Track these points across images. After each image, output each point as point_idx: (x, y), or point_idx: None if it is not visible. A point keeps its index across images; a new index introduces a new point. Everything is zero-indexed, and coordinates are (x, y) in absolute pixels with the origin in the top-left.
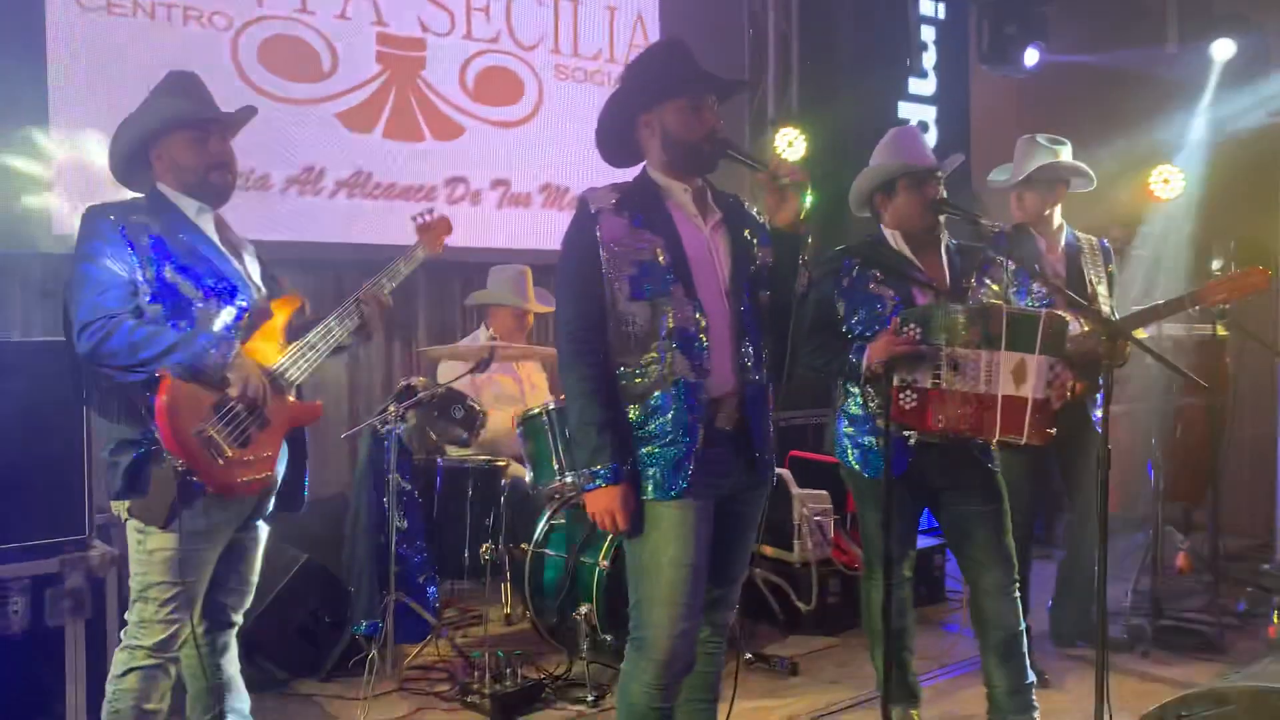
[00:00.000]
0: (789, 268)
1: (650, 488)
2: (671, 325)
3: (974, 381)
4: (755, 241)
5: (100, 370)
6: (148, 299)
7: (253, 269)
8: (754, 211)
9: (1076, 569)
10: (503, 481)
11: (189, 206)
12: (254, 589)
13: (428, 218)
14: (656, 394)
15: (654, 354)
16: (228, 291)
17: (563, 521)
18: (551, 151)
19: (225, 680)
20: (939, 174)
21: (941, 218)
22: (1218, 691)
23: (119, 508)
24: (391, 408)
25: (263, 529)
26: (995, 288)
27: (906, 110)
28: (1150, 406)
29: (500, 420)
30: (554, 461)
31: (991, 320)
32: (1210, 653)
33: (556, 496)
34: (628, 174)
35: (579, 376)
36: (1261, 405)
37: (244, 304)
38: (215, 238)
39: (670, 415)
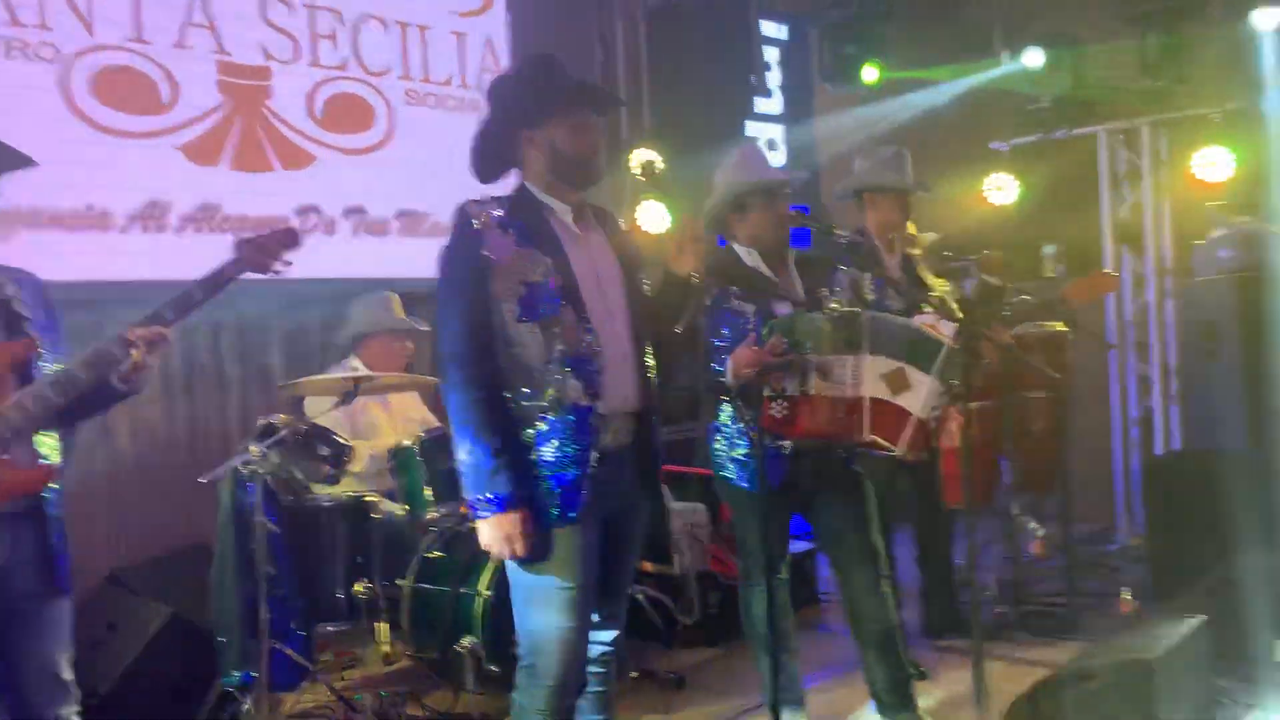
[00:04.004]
0: (675, 308)
1: (547, 517)
2: (563, 348)
3: (841, 386)
4: (637, 262)
5: None
6: None
7: None
8: (627, 229)
9: (933, 563)
10: (374, 517)
11: None
12: (66, 682)
13: (258, 233)
14: (549, 419)
15: (545, 378)
16: None
17: (440, 554)
18: (406, 178)
19: None
20: (788, 189)
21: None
22: (1082, 668)
23: None
24: (253, 448)
25: (43, 615)
26: (835, 302)
27: (754, 129)
28: (999, 401)
29: (370, 453)
30: (428, 493)
31: (853, 326)
32: (1070, 632)
33: (432, 529)
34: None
35: (470, 400)
36: (1097, 398)
37: None
38: None
39: (562, 441)
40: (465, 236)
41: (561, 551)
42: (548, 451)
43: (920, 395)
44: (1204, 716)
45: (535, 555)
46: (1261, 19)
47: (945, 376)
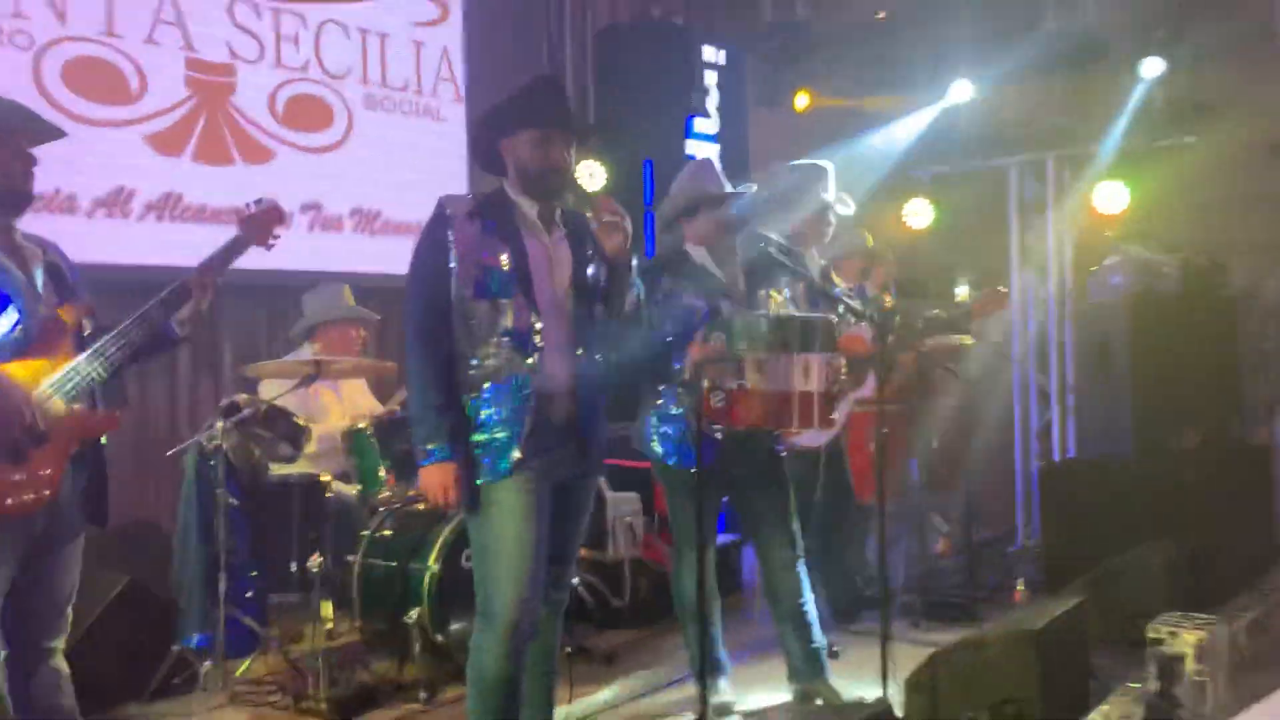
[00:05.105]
0: (617, 289)
1: (483, 471)
2: (509, 324)
3: (774, 381)
4: (595, 258)
5: None
6: None
7: (39, 276)
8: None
9: (835, 552)
10: (328, 495)
11: None
12: (67, 614)
13: (253, 208)
14: (489, 385)
15: (491, 349)
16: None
17: (389, 532)
18: (362, 177)
19: (42, 711)
20: (735, 200)
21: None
22: (974, 639)
23: None
24: (219, 424)
25: (70, 549)
26: (778, 297)
27: (692, 147)
28: (910, 406)
29: (322, 435)
30: (381, 472)
31: (787, 328)
32: (970, 620)
33: (382, 509)
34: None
35: (422, 363)
36: (1001, 410)
37: (15, 315)
38: None
39: (501, 405)
40: (436, 221)
41: (509, 506)
42: (489, 415)
43: (815, 372)
44: (1079, 686)
45: (469, 505)
46: (1147, 67)
47: (828, 347)
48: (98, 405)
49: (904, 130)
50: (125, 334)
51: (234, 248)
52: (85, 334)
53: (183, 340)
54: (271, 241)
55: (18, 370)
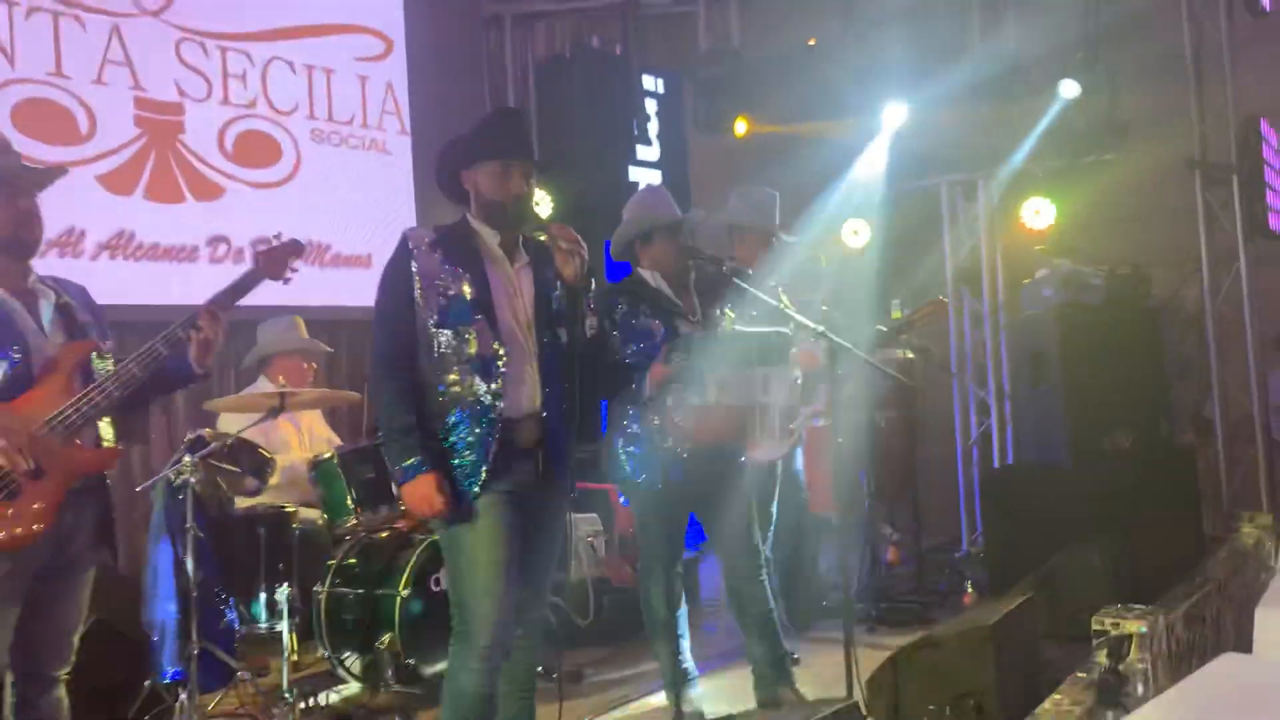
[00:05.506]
0: (575, 312)
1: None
2: (473, 351)
3: (735, 397)
4: (557, 284)
5: None
6: None
7: (48, 316)
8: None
9: (791, 563)
10: (294, 526)
11: None
12: (72, 644)
13: (274, 243)
14: (455, 411)
15: (455, 376)
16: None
17: (356, 560)
18: (312, 210)
19: None
20: (687, 225)
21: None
22: (932, 638)
23: None
24: (186, 459)
25: (80, 580)
26: (732, 316)
27: (635, 174)
28: (859, 418)
29: (283, 467)
30: (349, 501)
31: (745, 345)
32: (922, 624)
33: (348, 538)
34: (388, 234)
35: (388, 390)
36: (943, 422)
37: (17, 354)
38: (2, 290)
39: (466, 430)
40: (400, 254)
41: (481, 526)
42: (455, 439)
43: (776, 386)
44: (1032, 678)
45: (454, 517)
46: (1065, 88)
47: (784, 361)
48: (101, 441)
49: (866, 166)
50: (127, 371)
51: (246, 282)
52: (95, 371)
53: (204, 376)
54: (289, 275)
55: (19, 407)
